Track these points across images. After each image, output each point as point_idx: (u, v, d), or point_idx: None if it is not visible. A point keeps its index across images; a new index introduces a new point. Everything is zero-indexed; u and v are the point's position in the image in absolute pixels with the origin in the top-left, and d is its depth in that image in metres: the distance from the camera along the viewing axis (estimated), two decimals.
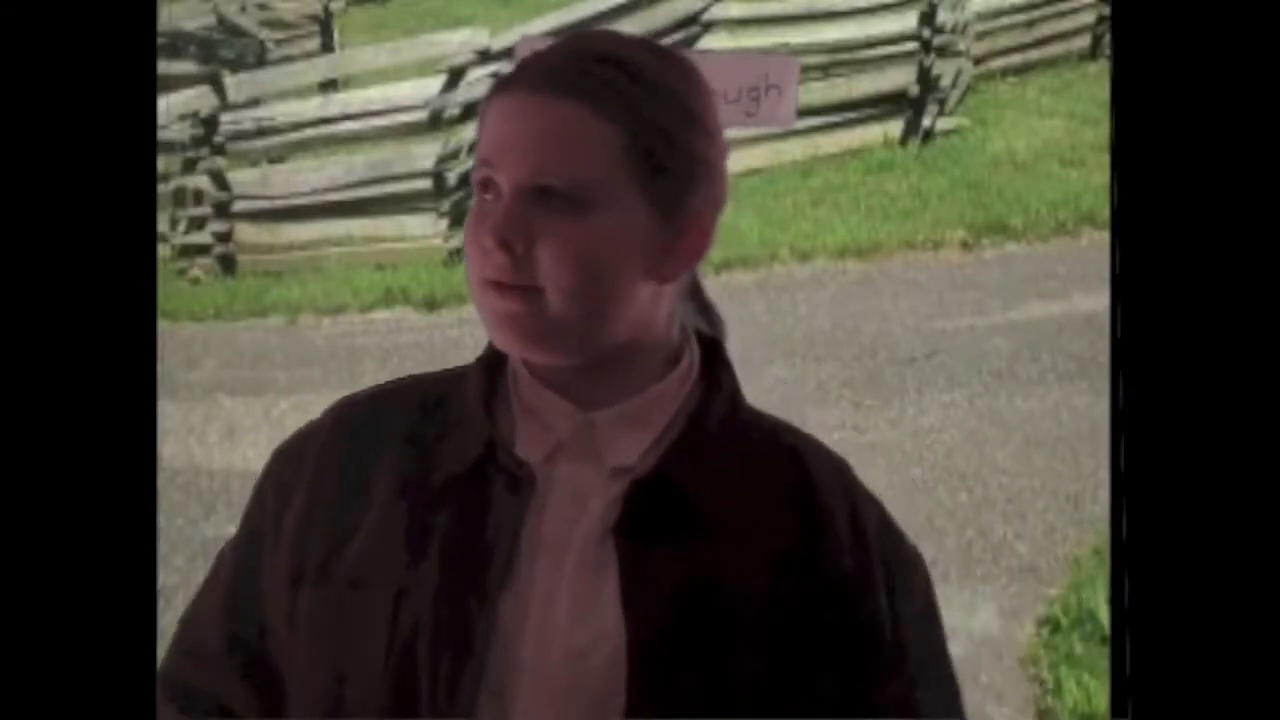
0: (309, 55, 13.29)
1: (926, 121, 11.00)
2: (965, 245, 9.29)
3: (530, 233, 1.31)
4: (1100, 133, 10.27)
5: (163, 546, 5.19)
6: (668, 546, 1.34)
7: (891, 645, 1.38)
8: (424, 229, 10.08)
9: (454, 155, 10.04)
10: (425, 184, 10.10)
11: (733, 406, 1.42)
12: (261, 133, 10.54)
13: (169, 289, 9.44)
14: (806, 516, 1.38)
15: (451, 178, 10.01)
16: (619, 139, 1.32)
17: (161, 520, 4.77)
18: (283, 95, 10.94)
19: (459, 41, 10.44)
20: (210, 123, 10.32)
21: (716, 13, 10.73)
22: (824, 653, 1.35)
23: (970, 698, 1.51)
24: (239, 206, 10.36)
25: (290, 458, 1.45)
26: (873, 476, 1.52)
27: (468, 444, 1.38)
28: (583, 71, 1.33)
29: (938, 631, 1.44)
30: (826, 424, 6.09)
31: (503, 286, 1.32)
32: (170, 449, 6.48)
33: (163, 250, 9.88)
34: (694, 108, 1.37)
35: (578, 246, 1.31)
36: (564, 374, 1.37)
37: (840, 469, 1.44)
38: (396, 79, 10.85)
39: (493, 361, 1.42)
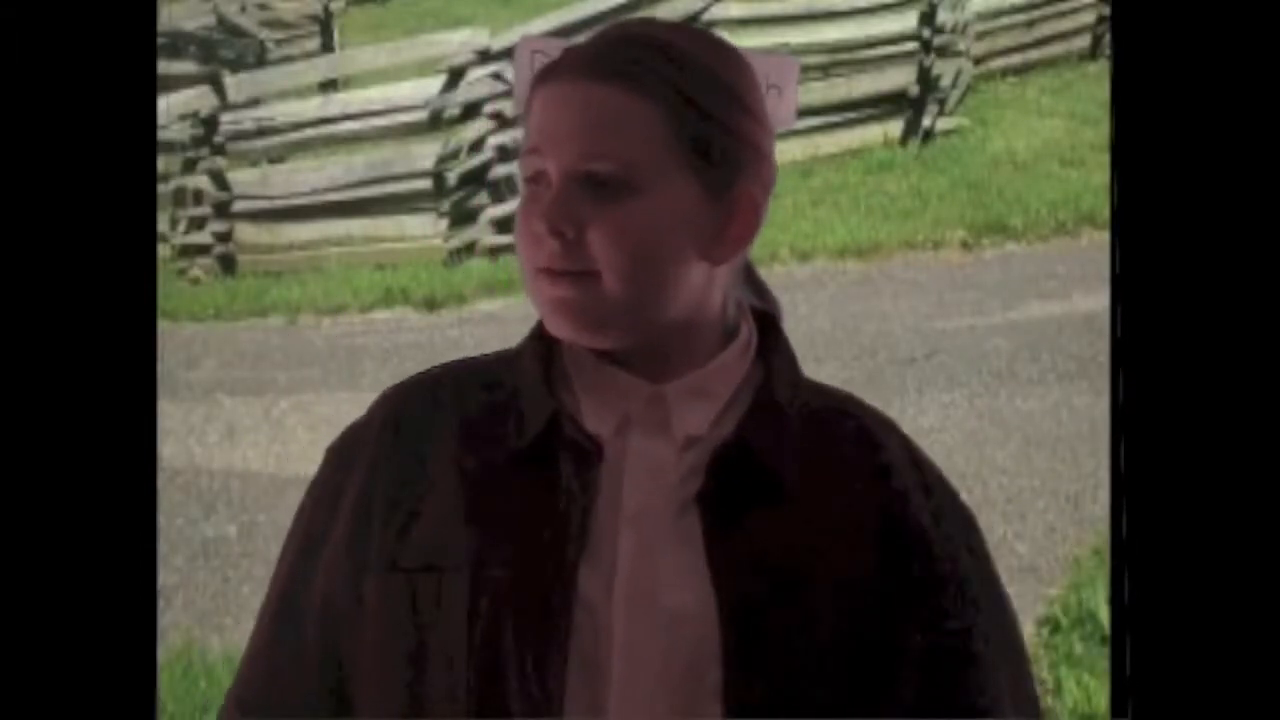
0: (309, 55, 13.30)
1: (926, 121, 11.01)
2: (965, 245, 9.30)
3: (581, 218, 1.32)
4: (1100, 133, 10.28)
5: (163, 546, 5.20)
6: (751, 513, 1.36)
7: (966, 597, 1.40)
8: (424, 229, 10.08)
9: (454, 155, 10.05)
10: (425, 184, 10.10)
11: (795, 376, 1.44)
12: (261, 133, 10.54)
13: (169, 289, 9.44)
14: (878, 478, 1.40)
15: (451, 178, 10.02)
16: (664, 121, 1.33)
17: (161, 520, 4.77)
18: (283, 95, 10.95)
19: (459, 41, 10.45)
20: (210, 123, 10.33)
21: (716, 13, 10.75)
22: (909, 610, 1.37)
23: None
24: (239, 206, 10.37)
25: (342, 453, 1.45)
26: None
27: (531, 419, 1.38)
28: (625, 57, 1.34)
29: (994, 572, 1.45)
30: None
31: (554, 273, 1.33)
32: (170, 449, 6.48)
33: (163, 250, 9.89)
34: (737, 89, 1.38)
35: (629, 229, 1.32)
36: (622, 353, 1.38)
37: (894, 427, 1.46)
38: (396, 79, 10.86)
39: (545, 339, 1.42)
